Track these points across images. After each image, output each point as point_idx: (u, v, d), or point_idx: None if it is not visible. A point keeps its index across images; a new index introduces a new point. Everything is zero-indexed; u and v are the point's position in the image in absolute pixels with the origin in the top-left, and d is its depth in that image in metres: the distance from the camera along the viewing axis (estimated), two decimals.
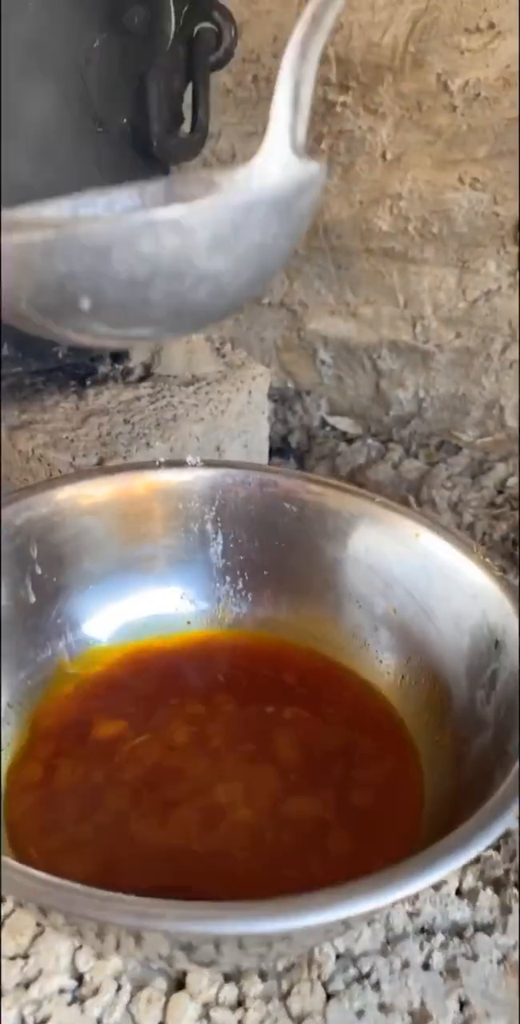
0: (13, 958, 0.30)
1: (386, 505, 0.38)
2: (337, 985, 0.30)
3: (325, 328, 0.70)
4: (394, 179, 0.61)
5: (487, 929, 0.32)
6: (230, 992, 0.30)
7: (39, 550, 0.37)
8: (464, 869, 0.34)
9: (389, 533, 0.38)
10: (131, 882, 0.27)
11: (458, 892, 0.33)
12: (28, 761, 0.34)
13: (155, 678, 0.38)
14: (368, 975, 0.30)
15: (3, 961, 0.30)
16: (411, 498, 0.60)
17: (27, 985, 0.29)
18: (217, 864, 0.30)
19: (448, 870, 0.24)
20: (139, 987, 0.30)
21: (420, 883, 0.23)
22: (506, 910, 0.33)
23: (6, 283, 0.23)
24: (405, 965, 0.31)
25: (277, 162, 0.27)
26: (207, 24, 0.48)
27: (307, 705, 0.37)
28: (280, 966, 0.30)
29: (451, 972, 0.31)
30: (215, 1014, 0.29)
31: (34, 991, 0.29)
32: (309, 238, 0.66)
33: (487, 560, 0.35)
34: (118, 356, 0.55)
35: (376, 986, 0.30)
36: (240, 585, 0.41)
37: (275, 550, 0.40)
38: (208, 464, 0.41)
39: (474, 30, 0.53)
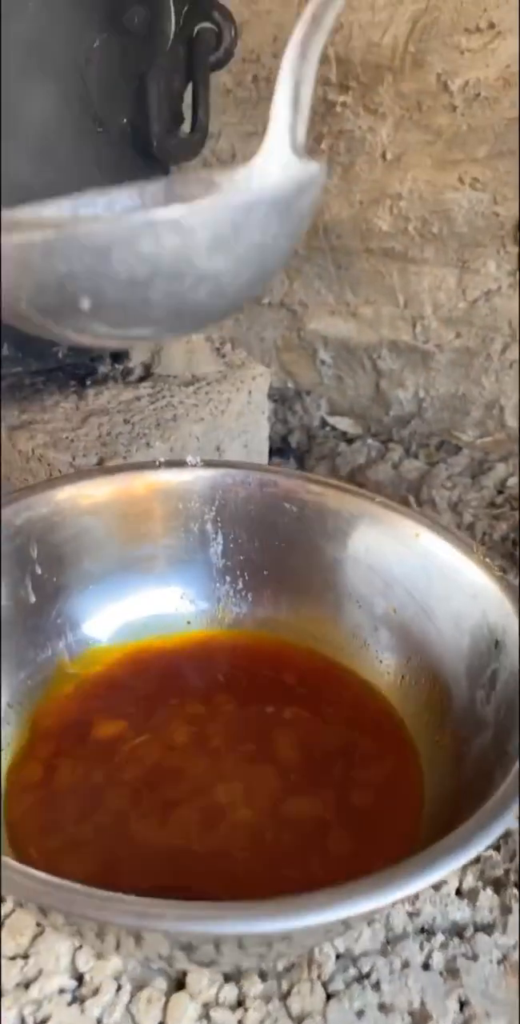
0: (13, 958, 0.30)
1: (386, 505, 0.38)
2: (337, 985, 0.30)
3: (325, 328, 0.70)
4: (394, 179, 0.61)
5: (487, 929, 0.32)
6: (230, 992, 0.29)
7: (39, 550, 0.37)
8: (464, 869, 0.34)
9: (389, 533, 0.38)
10: (131, 882, 0.27)
11: (458, 892, 0.33)
12: (28, 761, 0.34)
13: (155, 678, 0.38)
14: (368, 975, 0.30)
15: (3, 961, 0.30)
16: (411, 498, 0.60)
17: (27, 985, 0.29)
18: (217, 864, 0.30)
19: (448, 870, 0.24)
20: (139, 987, 0.30)
21: (420, 883, 0.23)
22: (506, 910, 0.33)
23: (6, 283, 0.23)
24: (405, 965, 0.31)
25: (277, 162, 0.27)
26: (207, 24, 0.48)
27: (307, 705, 0.37)
28: (280, 966, 0.30)
29: (451, 972, 0.31)
30: (215, 1014, 0.29)
31: (34, 991, 0.29)
32: (309, 238, 0.66)
33: (487, 560, 0.35)
34: (118, 356, 0.55)
35: (376, 986, 0.30)
36: (240, 585, 0.41)
37: (275, 550, 0.40)
38: (208, 464, 0.41)
39: (474, 30, 0.53)
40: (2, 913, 0.31)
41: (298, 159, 0.27)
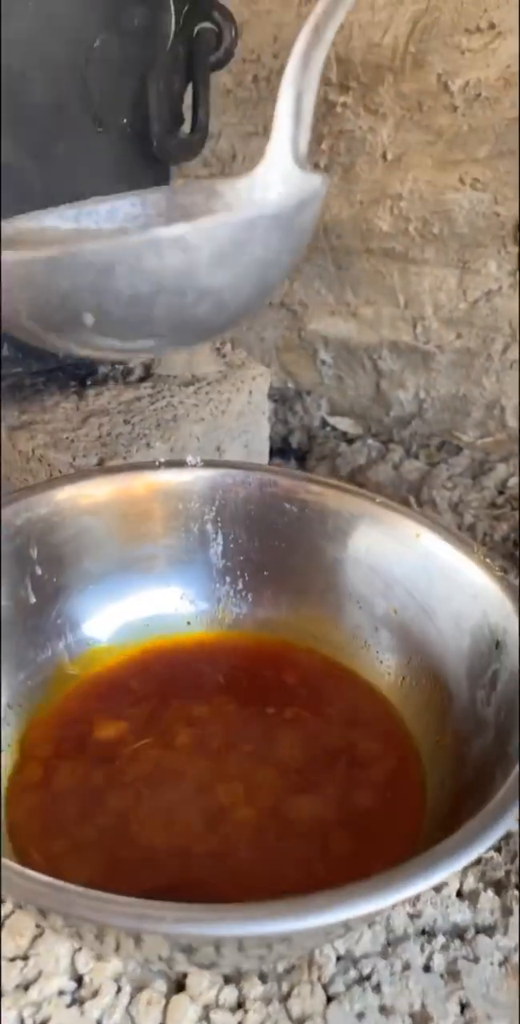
0: (13, 959, 0.30)
1: (387, 505, 0.38)
2: (337, 987, 0.30)
3: (325, 328, 0.70)
4: (394, 179, 0.61)
5: (488, 931, 0.32)
6: (230, 994, 0.29)
7: (39, 550, 0.37)
8: (465, 871, 0.34)
9: (390, 533, 0.38)
10: (133, 883, 0.27)
11: (459, 894, 0.33)
12: (28, 762, 0.34)
13: (155, 678, 0.38)
14: (369, 977, 0.30)
15: (3, 962, 0.30)
16: (412, 498, 0.60)
17: (27, 987, 0.29)
18: (218, 864, 0.30)
19: (449, 872, 0.23)
20: (139, 989, 0.30)
21: (421, 885, 0.23)
22: (507, 912, 0.33)
23: (6, 298, 0.23)
24: (406, 967, 0.30)
25: (279, 173, 0.27)
26: (207, 24, 0.48)
27: (308, 706, 0.37)
28: (280, 968, 0.30)
29: (452, 974, 0.30)
30: (215, 1016, 0.29)
31: (34, 993, 0.29)
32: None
33: (488, 560, 0.35)
34: None
35: (377, 988, 0.30)
36: (240, 585, 0.41)
37: (275, 550, 0.40)
38: (208, 464, 0.41)
39: (474, 30, 0.53)
40: (2, 914, 0.31)
41: (300, 170, 0.27)
